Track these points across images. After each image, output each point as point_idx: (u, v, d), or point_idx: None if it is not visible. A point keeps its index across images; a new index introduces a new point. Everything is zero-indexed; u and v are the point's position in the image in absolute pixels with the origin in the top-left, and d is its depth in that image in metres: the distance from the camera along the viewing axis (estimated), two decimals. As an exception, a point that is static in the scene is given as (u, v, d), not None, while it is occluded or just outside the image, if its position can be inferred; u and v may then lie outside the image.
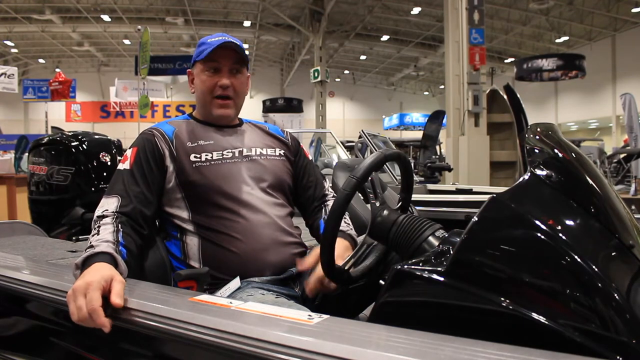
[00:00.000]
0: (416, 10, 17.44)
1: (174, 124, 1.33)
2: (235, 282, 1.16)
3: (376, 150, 1.85)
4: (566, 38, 18.93)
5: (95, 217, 1.12)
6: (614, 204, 0.85)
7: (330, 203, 1.39)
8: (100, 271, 0.90)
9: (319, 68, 16.16)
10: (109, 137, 2.73)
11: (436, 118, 9.12)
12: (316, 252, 0.99)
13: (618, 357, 0.63)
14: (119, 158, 2.57)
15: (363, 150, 6.84)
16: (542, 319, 0.68)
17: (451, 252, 0.83)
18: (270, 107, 18.95)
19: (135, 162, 1.21)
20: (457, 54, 7.75)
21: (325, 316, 0.76)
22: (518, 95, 4.79)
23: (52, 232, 2.32)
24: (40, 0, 17.50)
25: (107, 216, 1.10)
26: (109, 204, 1.13)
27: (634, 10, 16.18)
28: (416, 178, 5.92)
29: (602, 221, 0.79)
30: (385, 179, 3.66)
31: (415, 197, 1.61)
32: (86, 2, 17.76)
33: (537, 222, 0.74)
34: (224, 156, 1.28)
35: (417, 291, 0.82)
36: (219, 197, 1.22)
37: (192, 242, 1.23)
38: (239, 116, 1.43)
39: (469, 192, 3.69)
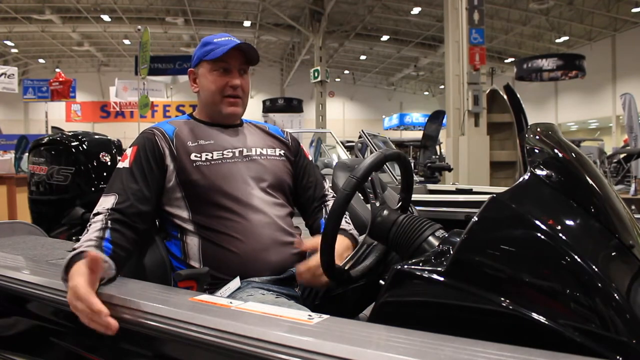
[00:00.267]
0: (416, 10, 17.44)
1: (175, 123, 1.34)
2: (235, 282, 1.16)
3: (376, 150, 1.85)
4: (566, 38, 18.93)
5: (91, 215, 1.12)
6: (614, 204, 0.85)
7: (330, 203, 1.40)
8: (76, 274, 0.91)
9: (319, 68, 16.16)
10: (109, 137, 2.73)
11: (436, 118, 9.12)
12: (319, 239, 0.99)
13: (618, 357, 0.63)
14: (118, 158, 2.56)
15: (363, 150, 6.84)
16: (542, 319, 0.68)
17: (451, 252, 0.83)
18: (270, 107, 18.94)
19: (135, 160, 1.22)
20: (457, 54, 7.75)
21: (325, 316, 0.76)
22: (518, 95, 4.79)
23: (52, 232, 2.32)
24: (40, 0, 17.50)
25: (100, 213, 1.11)
26: (106, 202, 1.13)
27: (634, 10, 16.19)
28: (416, 178, 5.92)
29: (602, 221, 0.79)
30: (385, 179, 3.66)
31: (415, 197, 1.61)
32: (86, 2, 17.76)
33: (537, 222, 0.74)
34: (224, 156, 1.28)
35: (417, 291, 0.82)
36: (219, 196, 1.22)
37: (192, 242, 1.23)
38: (239, 116, 1.43)
39: (469, 192, 3.69)
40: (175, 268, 1.24)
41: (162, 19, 19.03)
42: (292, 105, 18.82)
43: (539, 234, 0.73)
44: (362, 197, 1.83)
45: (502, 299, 0.71)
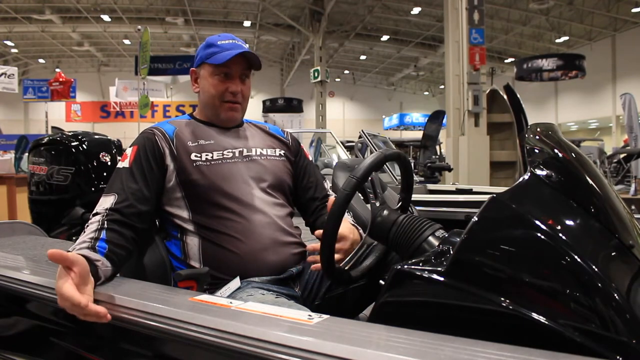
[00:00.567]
0: (416, 10, 17.44)
1: (175, 123, 1.34)
2: (235, 282, 1.16)
3: (376, 150, 1.85)
4: (566, 38, 18.93)
5: (90, 215, 1.12)
6: (614, 204, 0.85)
7: None
8: (57, 277, 0.91)
9: (319, 68, 16.16)
10: (109, 137, 2.73)
11: (436, 118, 9.12)
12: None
13: (618, 357, 0.63)
14: (118, 158, 2.56)
15: (363, 150, 6.84)
16: (542, 319, 0.68)
17: (451, 252, 0.83)
18: (270, 107, 18.95)
19: (135, 160, 1.22)
20: (457, 54, 7.74)
21: (325, 316, 0.76)
22: (518, 95, 4.80)
23: (52, 232, 2.32)
24: (40, 0, 17.50)
25: (99, 213, 1.11)
26: (105, 202, 1.13)
27: (634, 10, 16.18)
28: (416, 178, 5.92)
29: (602, 221, 0.79)
30: (385, 179, 3.66)
31: (415, 197, 1.61)
32: (86, 2, 17.76)
33: (537, 222, 0.74)
34: (225, 156, 1.28)
35: (417, 291, 0.82)
36: (219, 196, 1.22)
37: (193, 242, 1.23)
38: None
39: (469, 192, 3.69)
40: (175, 268, 1.24)
41: (162, 19, 19.03)
42: (292, 105, 18.82)
43: (539, 234, 0.73)
44: (362, 197, 1.83)
45: (502, 299, 0.71)
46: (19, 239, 1.79)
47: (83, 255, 0.95)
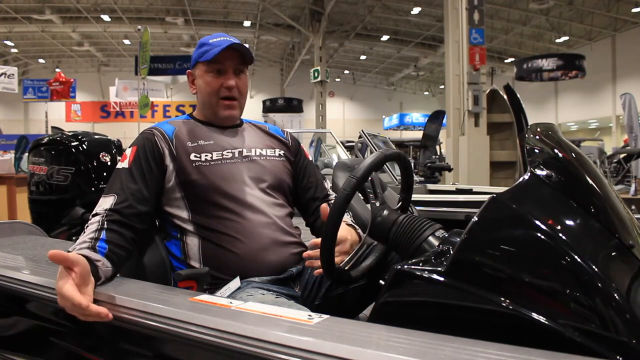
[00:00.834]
0: (416, 10, 17.44)
1: (175, 123, 1.34)
2: (235, 282, 1.16)
3: (376, 150, 1.85)
4: (566, 38, 18.93)
5: (90, 216, 1.12)
6: (614, 204, 0.85)
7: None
8: (58, 278, 0.91)
9: (319, 68, 16.16)
10: (109, 137, 2.73)
11: (436, 118, 9.12)
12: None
13: (618, 357, 0.63)
14: (118, 158, 2.56)
15: (363, 150, 6.84)
16: (542, 319, 0.68)
17: (451, 252, 0.83)
18: (270, 107, 18.95)
19: (134, 161, 1.21)
20: (457, 54, 7.74)
21: (325, 316, 0.76)
22: (518, 95, 4.80)
23: (52, 232, 2.32)
24: (40, 0, 17.50)
25: (98, 214, 1.11)
26: (105, 203, 1.13)
27: (634, 10, 16.18)
28: (416, 178, 5.92)
29: (602, 221, 0.79)
30: (385, 179, 3.66)
31: (415, 197, 1.61)
32: (86, 2, 17.76)
33: (537, 222, 0.74)
34: (224, 156, 1.28)
35: (417, 291, 0.82)
36: (219, 197, 1.22)
37: (192, 242, 1.23)
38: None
39: (469, 192, 3.69)
40: (175, 268, 1.24)
41: (162, 19, 19.03)
42: (292, 105, 18.82)
43: (539, 234, 0.73)
44: (362, 197, 1.83)
45: (502, 299, 0.71)
46: (19, 239, 1.79)
47: (83, 256, 0.95)
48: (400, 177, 1.24)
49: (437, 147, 9.82)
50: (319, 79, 16.07)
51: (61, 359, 1.07)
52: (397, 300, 0.84)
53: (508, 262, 0.75)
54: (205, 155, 1.26)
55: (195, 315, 0.78)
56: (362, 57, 24.11)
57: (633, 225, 0.84)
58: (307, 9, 17.01)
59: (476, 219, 0.77)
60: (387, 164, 3.45)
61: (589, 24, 17.90)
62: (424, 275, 0.79)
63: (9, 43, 20.96)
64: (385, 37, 20.60)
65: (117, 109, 18.54)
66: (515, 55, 20.12)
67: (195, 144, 1.28)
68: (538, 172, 0.82)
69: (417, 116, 21.98)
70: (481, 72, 7.81)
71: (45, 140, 2.61)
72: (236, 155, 1.30)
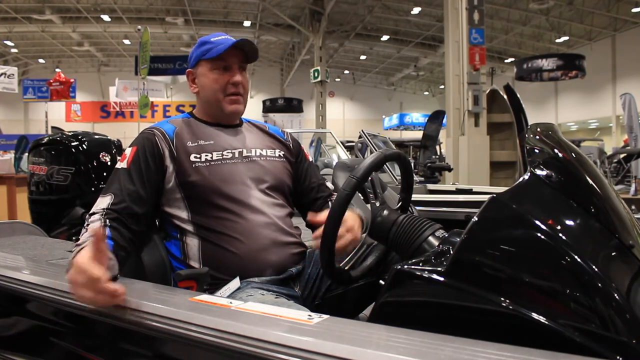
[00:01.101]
0: (416, 10, 17.45)
1: (175, 122, 1.33)
2: (235, 282, 1.16)
3: (376, 150, 1.85)
4: (566, 38, 18.93)
5: (87, 216, 1.12)
6: (614, 204, 0.85)
7: None
8: (78, 255, 0.90)
9: (319, 68, 16.16)
10: (109, 137, 2.73)
11: (436, 118, 9.13)
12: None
13: (618, 357, 0.63)
14: (118, 158, 2.57)
15: (363, 150, 6.84)
16: (542, 319, 0.68)
17: (451, 252, 0.83)
18: (270, 107, 18.94)
19: (134, 161, 1.21)
20: (457, 54, 7.74)
21: (325, 316, 0.76)
22: (518, 95, 4.79)
23: (52, 232, 2.32)
24: (40, 0, 17.50)
25: (96, 213, 1.11)
26: (102, 203, 1.13)
27: (634, 10, 16.18)
28: (416, 178, 5.92)
29: (602, 221, 0.79)
30: (385, 179, 3.66)
31: (415, 197, 1.61)
32: (86, 2, 17.76)
33: (537, 222, 0.74)
34: (224, 157, 1.28)
35: (417, 291, 0.82)
36: (219, 197, 1.22)
37: (192, 243, 1.22)
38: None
39: (469, 192, 3.69)
40: (175, 268, 1.24)
41: (162, 19, 19.03)
42: (292, 105, 18.82)
43: (539, 234, 0.73)
44: (362, 197, 1.83)
45: (502, 299, 0.71)
46: (19, 239, 1.80)
47: None
48: (400, 177, 1.24)
49: (437, 147, 9.83)
50: (319, 79, 16.06)
51: (61, 359, 1.07)
52: (397, 300, 0.84)
53: (508, 262, 0.75)
54: (206, 156, 1.26)
55: (195, 315, 0.78)
56: (362, 57, 24.11)
57: (633, 225, 0.84)
58: (307, 9, 17.00)
59: (476, 219, 0.78)
60: (387, 164, 3.45)
61: (589, 24, 17.90)
62: (424, 275, 0.79)
63: (9, 43, 20.96)
64: (385, 37, 20.60)
65: (117, 109, 18.53)
66: (515, 55, 20.12)
67: (196, 143, 1.27)
68: (538, 172, 0.82)
69: (417, 116, 21.98)
70: (481, 72, 7.82)
71: (45, 140, 2.61)
72: (236, 155, 1.30)
